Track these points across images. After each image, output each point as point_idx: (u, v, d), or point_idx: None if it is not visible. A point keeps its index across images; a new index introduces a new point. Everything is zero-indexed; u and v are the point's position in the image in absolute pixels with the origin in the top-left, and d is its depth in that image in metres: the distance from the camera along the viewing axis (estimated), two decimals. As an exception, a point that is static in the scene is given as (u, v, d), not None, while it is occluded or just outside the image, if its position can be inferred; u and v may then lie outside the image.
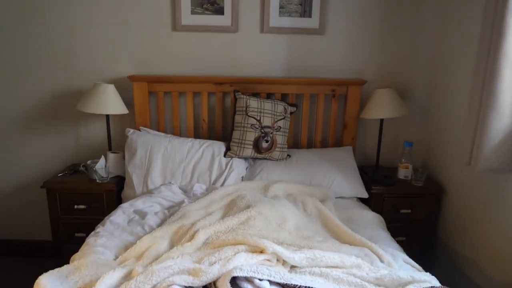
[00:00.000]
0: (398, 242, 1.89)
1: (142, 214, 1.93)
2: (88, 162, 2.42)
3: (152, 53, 2.56)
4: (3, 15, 2.47)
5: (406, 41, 2.58)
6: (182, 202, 2.07)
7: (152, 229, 1.78)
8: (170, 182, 2.28)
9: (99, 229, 1.79)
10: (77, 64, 2.56)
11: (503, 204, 1.93)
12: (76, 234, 2.37)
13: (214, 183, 2.29)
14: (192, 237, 1.64)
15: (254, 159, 2.45)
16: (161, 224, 1.85)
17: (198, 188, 2.24)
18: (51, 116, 2.63)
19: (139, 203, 2.06)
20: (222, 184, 2.27)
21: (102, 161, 2.37)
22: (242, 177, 2.36)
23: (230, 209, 1.94)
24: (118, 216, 1.91)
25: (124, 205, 2.04)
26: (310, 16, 2.51)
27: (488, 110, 1.78)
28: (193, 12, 2.49)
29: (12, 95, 2.59)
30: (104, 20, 2.50)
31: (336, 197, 2.26)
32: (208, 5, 2.49)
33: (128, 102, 2.52)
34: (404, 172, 2.46)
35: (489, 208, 2.03)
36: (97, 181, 2.35)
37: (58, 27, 2.50)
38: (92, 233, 1.77)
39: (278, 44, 2.56)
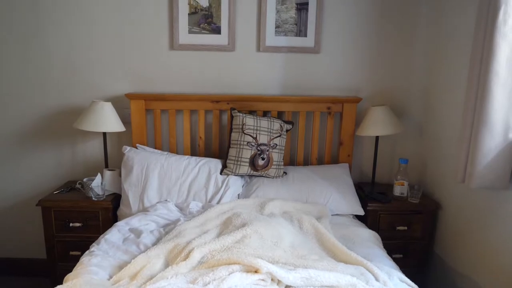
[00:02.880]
0: (395, 259, 1.88)
1: (138, 233, 1.93)
2: (84, 179, 2.42)
3: (150, 71, 2.59)
4: (1, 32, 2.51)
5: (401, 59, 2.62)
6: (178, 220, 2.06)
7: (147, 248, 1.77)
8: (166, 200, 2.28)
9: (94, 248, 1.78)
10: (75, 81, 2.58)
11: (499, 221, 1.93)
12: (71, 253, 2.35)
13: (210, 200, 2.29)
14: (187, 256, 1.63)
15: (251, 176, 2.46)
16: (156, 242, 1.84)
17: (194, 205, 2.23)
18: (48, 133, 2.64)
19: (135, 221, 2.05)
20: (218, 202, 2.27)
21: (98, 178, 2.37)
22: (238, 194, 2.37)
23: (226, 227, 1.93)
24: (113, 235, 1.91)
25: (120, 224, 2.03)
26: (305, 35, 2.56)
27: (480, 128, 1.80)
28: (190, 32, 2.53)
29: (9, 112, 2.61)
30: (102, 38, 2.54)
31: (332, 215, 2.26)
32: (205, 24, 2.54)
33: (125, 120, 2.54)
34: (400, 189, 2.47)
35: (485, 225, 2.03)
36: (93, 198, 2.35)
37: (56, 45, 2.53)
38: (87, 252, 1.76)
39: (274, 62, 2.59)
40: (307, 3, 2.52)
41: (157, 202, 2.27)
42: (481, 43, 1.84)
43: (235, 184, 2.36)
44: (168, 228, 1.98)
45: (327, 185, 2.36)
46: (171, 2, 2.49)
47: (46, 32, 2.51)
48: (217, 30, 2.54)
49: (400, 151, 2.72)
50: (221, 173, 2.38)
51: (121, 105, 2.56)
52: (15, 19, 2.49)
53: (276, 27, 2.55)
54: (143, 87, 2.61)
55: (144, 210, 2.24)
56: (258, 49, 2.57)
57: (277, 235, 1.84)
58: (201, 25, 2.54)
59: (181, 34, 2.53)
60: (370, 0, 2.54)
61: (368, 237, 2.02)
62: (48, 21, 2.50)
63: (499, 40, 1.74)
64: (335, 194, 2.33)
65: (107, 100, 2.52)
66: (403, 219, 2.40)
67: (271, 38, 2.55)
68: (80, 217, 2.33)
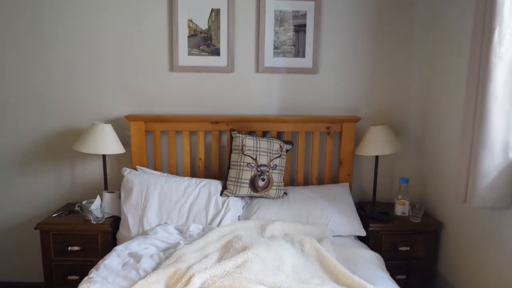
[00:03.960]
0: (398, 280, 1.86)
1: (137, 257, 1.90)
2: (84, 202, 2.41)
3: (150, 93, 2.61)
4: (2, 54, 2.53)
5: (399, 78, 2.65)
6: (178, 243, 2.04)
7: (147, 273, 1.75)
8: (166, 223, 2.26)
9: (93, 274, 1.76)
10: (75, 103, 2.60)
11: (502, 241, 1.92)
12: (69, 277, 2.32)
13: (211, 222, 2.28)
14: (187, 282, 1.61)
15: (251, 197, 2.45)
16: (156, 267, 1.82)
17: (194, 228, 2.22)
18: (48, 154, 2.63)
19: (134, 245, 2.03)
20: (219, 224, 2.25)
21: (97, 201, 2.36)
22: (239, 216, 2.35)
23: (227, 251, 1.91)
24: (112, 260, 1.88)
25: (119, 248, 2.01)
26: (303, 56, 2.58)
27: (480, 148, 1.80)
28: (190, 54, 2.56)
29: (9, 133, 2.61)
30: (102, 60, 2.56)
31: (333, 236, 2.24)
32: (205, 46, 2.56)
33: (125, 141, 2.54)
34: (401, 208, 2.46)
35: (488, 244, 2.02)
36: (92, 221, 2.33)
37: (57, 67, 2.55)
38: (86, 278, 1.73)
39: (273, 83, 2.61)
40: (304, 25, 2.55)
41: (157, 225, 2.25)
42: (477, 63, 1.85)
43: (235, 205, 2.35)
44: (168, 252, 1.96)
45: (328, 206, 2.35)
46: (171, 24, 2.53)
47: (46, 54, 2.54)
48: (216, 52, 2.56)
49: (400, 170, 2.72)
50: (221, 195, 2.37)
51: (121, 126, 2.56)
52: (16, 41, 2.52)
53: (274, 48, 2.57)
54: (143, 109, 2.62)
55: (144, 233, 2.22)
56: (257, 70, 2.59)
57: (278, 258, 1.82)
58: (201, 47, 2.56)
59: (180, 56, 2.55)
60: (366, 21, 2.58)
61: (371, 259, 2.00)
62: (49, 42, 2.53)
63: (495, 61, 1.76)
64: (336, 215, 2.31)
65: (107, 121, 2.53)
66: (405, 239, 2.38)
67: (270, 59, 2.58)
68: (79, 241, 2.31)
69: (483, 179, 1.82)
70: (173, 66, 2.56)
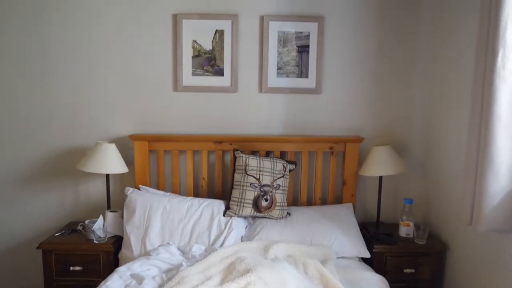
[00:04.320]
0: (403, 305, 1.83)
1: (139, 279, 1.88)
2: (86, 221, 2.40)
3: (154, 112, 2.62)
4: (11, 74, 2.56)
5: (402, 98, 2.65)
6: (181, 265, 2.02)
7: (148, 296, 1.73)
8: (168, 243, 2.25)
9: (94, 296, 1.74)
10: (80, 122, 2.62)
11: (508, 264, 1.88)
12: (71, 298, 2.30)
13: (213, 243, 2.26)
14: (189, 306, 1.59)
15: (254, 217, 2.43)
16: (158, 290, 1.80)
17: (197, 249, 2.20)
18: (52, 173, 2.64)
19: (136, 266, 2.01)
20: (222, 245, 2.23)
21: (100, 220, 2.35)
22: (242, 236, 2.33)
23: (230, 272, 1.89)
24: (114, 281, 1.86)
25: (121, 269, 1.99)
26: (306, 76, 2.60)
27: (485, 171, 1.79)
28: (194, 74, 2.58)
29: (13, 152, 2.62)
30: (106, 80, 2.59)
31: (337, 257, 2.22)
32: (209, 67, 2.59)
33: (129, 160, 2.55)
34: (405, 230, 2.43)
35: (494, 267, 1.98)
36: (95, 241, 2.32)
37: (62, 86, 2.58)
38: (87, 301, 1.72)
39: (276, 103, 2.63)
40: (308, 46, 2.58)
41: (159, 245, 2.24)
42: (481, 85, 1.85)
43: (238, 226, 2.33)
44: (170, 274, 1.93)
45: (331, 226, 2.33)
46: (175, 45, 2.56)
47: (51, 74, 2.57)
48: (220, 72, 2.59)
49: (404, 190, 2.70)
50: (224, 215, 2.36)
51: (125, 145, 2.57)
52: (24, 61, 2.55)
53: (278, 69, 2.59)
54: (146, 128, 2.63)
55: (146, 253, 2.20)
56: (261, 90, 2.61)
57: (281, 281, 1.79)
58: (205, 68, 2.59)
59: (185, 76, 2.58)
60: (369, 41, 2.60)
61: (376, 282, 1.97)
62: (55, 63, 2.57)
63: (499, 84, 1.75)
64: (340, 236, 2.29)
65: (111, 140, 2.54)
66: (410, 261, 2.34)
67: (273, 79, 2.60)
68: (81, 261, 2.29)
69: (488, 201, 1.80)
70: (177, 86, 2.59)
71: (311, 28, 2.56)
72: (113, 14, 2.54)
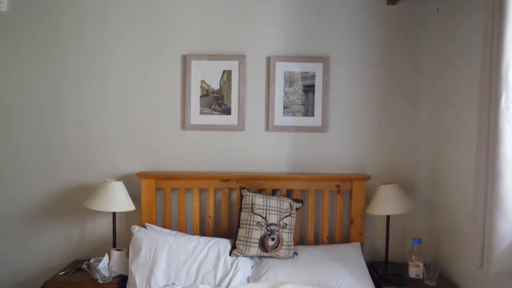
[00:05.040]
0: None
1: (144, 322, 1.85)
2: (91, 260, 2.38)
3: (161, 150, 2.66)
4: (19, 108, 2.63)
5: (407, 135, 2.67)
6: (186, 307, 1.99)
7: None
8: (174, 283, 2.22)
9: None
10: (88, 159, 2.65)
11: (523, 311, 1.83)
12: None
13: (219, 284, 2.22)
14: None
15: (260, 257, 2.40)
16: (162, 334, 1.76)
17: (203, 290, 2.16)
18: (59, 211, 2.65)
19: (141, 308, 1.98)
20: (228, 285, 2.19)
21: (105, 260, 2.33)
22: (248, 277, 2.30)
23: (236, 316, 1.85)
24: (119, 324, 1.83)
25: (125, 311, 1.96)
26: (312, 115, 2.64)
27: (494, 212, 1.77)
28: (201, 113, 2.63)
29: (21, 189, 2.64)
30: (115, 118, 2.64)
31: (346, 300, 2.17)
32: (216, 106, 2.64)
33: (135, 197, 2.56)
34: (415, 270, 2.38)
35: (509, 313, 1.92)
36: (99, 281, 2.29)
37: (72, 123, 2.63)
38: None
39: (282, 141, 2.65)
40: (313, 85, 2.64)
41: (164, 286, 2.20)
42: (486, 126, 1.86)
43: (244, 266, 2.30)
44: (175, 316, 1.90)
45: (339, 267, 2.29)
46: (184, 85, 2.63)
47: (60, 110, 2.63)
48: (227, 111, 2.63)
49: (412, 229, 2.66)
50: (230, 254, 2.33)
51: (132, 182, 2.59)
52: (33, 98, 2.63)
53: (284, 108, 2.64)
54: (154, 166, 2.65)
55: (151, 294, 2.17)
56: (267, 129, 2.65)
57: (289, 325, 1.75)
58: (212, 106, 2.64)
59: (192, 115, 2.63)
60: (373, 79, 2.65)
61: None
62: (64, 100, 2.63)
63: (504, 125, 1.76)
64: (348, 277, 2.24)
65: (118, 178, 2.56)
66: (421, 304, 2.28)
67: (280, 118, 2.64)
68: (84, 301, 2.26)
69: (500, 243, 1.77)
70: (185, 124, 2.63)
71: (316, 68, 2.63)
72: (124, 53, 2.63)
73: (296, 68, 2.63)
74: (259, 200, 2.38)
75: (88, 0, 2.61)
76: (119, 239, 2.58)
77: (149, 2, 2.62)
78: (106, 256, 2.36)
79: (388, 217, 2.51)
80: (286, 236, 2.37)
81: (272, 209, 2.37)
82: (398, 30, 2.65)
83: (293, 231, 2.43)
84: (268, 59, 2.63)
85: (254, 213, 2.35)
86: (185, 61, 2.62)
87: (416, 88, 2.66)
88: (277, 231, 2.34)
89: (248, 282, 2.25)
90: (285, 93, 2.64)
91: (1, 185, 2.65)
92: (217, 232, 2.59)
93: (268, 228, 2.34)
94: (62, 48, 2.62)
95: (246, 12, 2.63)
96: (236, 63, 2.62)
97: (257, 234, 2.33)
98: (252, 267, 2.36)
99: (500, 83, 1.77)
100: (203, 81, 2.63)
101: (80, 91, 2.63)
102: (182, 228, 2.58)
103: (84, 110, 2.64)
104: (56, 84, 2.63)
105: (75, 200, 2.62)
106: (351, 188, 2.57)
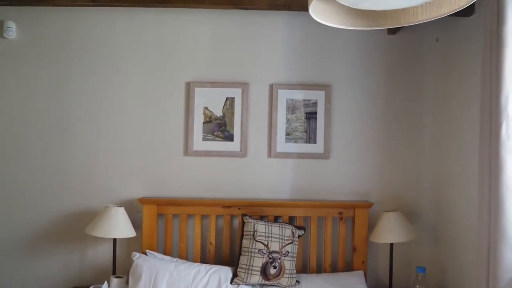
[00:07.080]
0: None
1: None
2: (91, 287, 2.35)
3: (164, 176, 2.66)
4: (23, 140, 2.65)
5: (410, 162, 2.68)
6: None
7: None
8: (174, 313, 2.18)
9: None
10: (90, 185, 2.65)
11: None
12: None
13: (220, 313, 2.18)
14: None
15: (262, 285, 2.36)
16: None
17: (203, 320, 2.12)
18: (60, 236, 2.63)
19: None
20: (228, 315, 2.16)
21: (104, 287, 2.30)
22: (249, 306, 2.26)
23: None
24: None
25: None
26: (315, 142, 2.65)
27: (499, 243, 1.76)
28: (204, 139, 2.65)
29: (22, 214, 2.63)
30: (118, 144, 2.66)
31: (349, 331, 2.12)
32: (219, 132, 2.66)
33: (137, 223, 2.54)
34: (419, 301, 2.34)
35: None
36: (98, 309, 2.26)
37: (74, 148, 2.65)
38: None
39: (285, 168, 2.66)
40: (315, 112, 2.66)
41: (164, 315, 2.17)
42: (488, 154, 1.87)
43: (246, 294, 2.27)
44: None
45: (342, 297, 2.25)
46: (187, 111, 2.66)
47: (64, 137, 2.65)
48: (230, 138, 2.65)
49: (416, 257, 2.63)
50: (231, 283, 2.30)
51: (134, 208, 2.58)
52: (37, 124, 2.65)
53: (286, 135, 2.66)
54: (156, 191, 2.65)
55: (150, 323, 2.13)
56: (269, 155, 2.66)
57: None
58: (215, 133, 2.66)
59: (195, 141, 2.65)
60: (375, 106, 2.68)
61: None
62: (68, 126, 2.65)
63: (505, 154, 1.78)
64: (351, 307, 2.21)
65: (120, 203, 2.56)
66: (426, 336, 2.23)
67: (282, 145, 2.65)
68: (82, 331, 2.22)
69: (505, 274, 1.75)
70: (187, 150, 2.65)
71: (318, 96, 2.66)
72: (129, 81, 2.67)
73: (299, 95, 2.67)
74: (261, 227, 2.36)
75: (96, 29, 2.68)
76: (119, 265, 2.55)
77: (156, 32, 2.68)
78: (106, 283, 2.33)
79: (391, 245, 2.49)
80: (288, 264, 2.34)
81: (274, 237, 2.35)
82: (399, 59, 2.70)
83: (295, 258, 2.40)
84: (271, 86, 2.67)
85: (256, 241, 2.33)
86: (189, 88, 2.66)
87: (417, 115, 2.69)
88: (279, 259, 2.32)
89: (249, 312, 2.21)
90: (288, 120, 2.66)
91: (3, 210, 2.64)
92: (218, 259, 2.57)
93: (270, 256, 2.31)
94: (69, 76, 2.66)
95: (249, 41, 2.69)
96: (239, 90, 2.66)
97: (258, 262, 2.31)
98: (254, 296, 2.32)
99: (500, 113, 1.80)
100: (206, 108, 2.66)
101: (84, 118, 2.66)
102: (183, 254, 2.55)
103: (87, 136, 2.66)
104: (61, 110, 2.66)
105: (76, 226, 2.61)
106: (354, 215, 2.56)
